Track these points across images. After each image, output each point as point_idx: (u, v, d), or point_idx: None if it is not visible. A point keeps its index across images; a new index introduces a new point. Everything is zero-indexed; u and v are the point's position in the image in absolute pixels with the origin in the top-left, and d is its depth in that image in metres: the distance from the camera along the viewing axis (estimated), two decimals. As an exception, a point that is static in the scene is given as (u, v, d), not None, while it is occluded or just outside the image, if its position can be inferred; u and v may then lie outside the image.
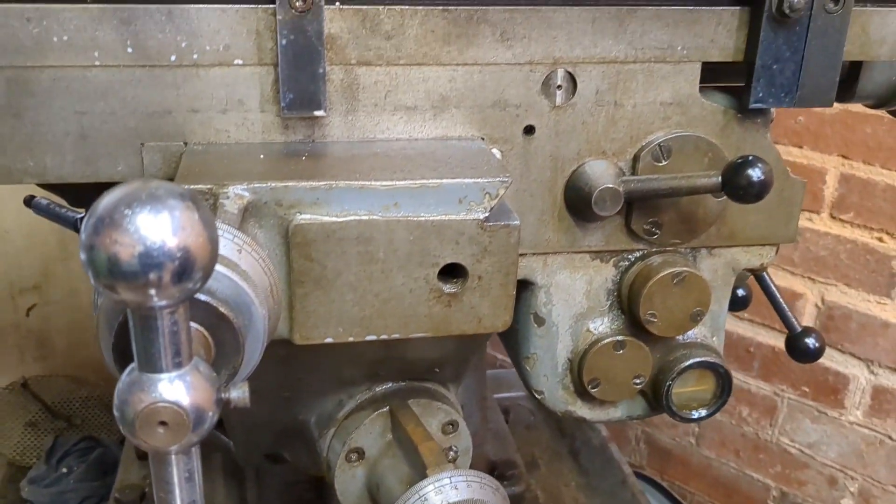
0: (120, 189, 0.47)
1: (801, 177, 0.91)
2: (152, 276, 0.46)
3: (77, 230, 1.12)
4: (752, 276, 1.03)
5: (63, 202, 1.03)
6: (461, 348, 0.87)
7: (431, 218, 0.70)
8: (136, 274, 0.46)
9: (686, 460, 2.45)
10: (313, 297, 0.71)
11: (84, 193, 0.85)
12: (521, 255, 0.85)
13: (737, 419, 2.28)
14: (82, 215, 1.11)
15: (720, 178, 0.80)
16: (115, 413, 0.50)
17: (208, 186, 0.67)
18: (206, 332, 0.58)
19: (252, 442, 1.07)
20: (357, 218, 0.70)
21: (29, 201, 1.07)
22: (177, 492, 0.53)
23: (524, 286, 0.89)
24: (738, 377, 2.25)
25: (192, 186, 0.67)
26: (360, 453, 0.88)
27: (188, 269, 0.47)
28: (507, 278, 0.73)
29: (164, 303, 0.47)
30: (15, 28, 0.72)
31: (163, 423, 0.50)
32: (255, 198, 0.68)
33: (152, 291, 0.47)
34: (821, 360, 2.07)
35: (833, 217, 1.99)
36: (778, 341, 2.15)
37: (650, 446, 2.48)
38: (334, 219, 0.69)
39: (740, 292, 1.15)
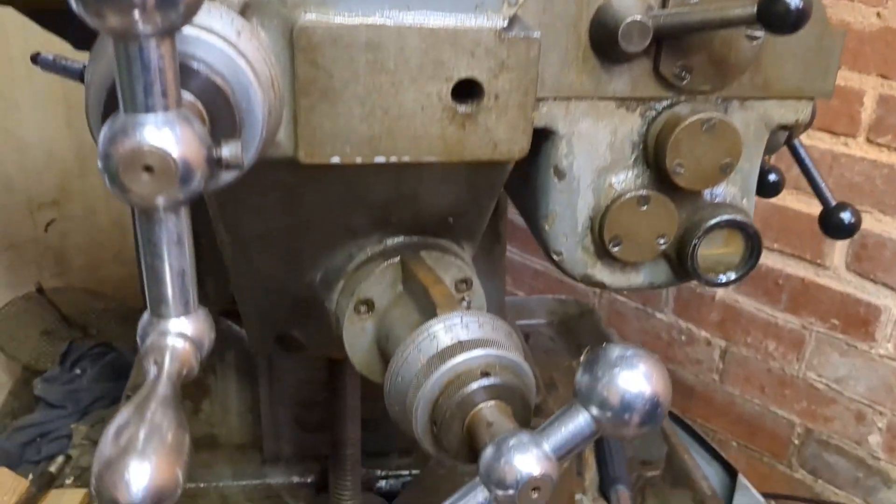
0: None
1: (837, 99, 0.85)
2: (137, -3, 0.43)
3: (83, 81, 1.09)
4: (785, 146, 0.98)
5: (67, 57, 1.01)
6: (474, 191, 0.83)
7: (446, 24, 0.66)
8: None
9: (709, 397, 2.41)
10: (319, 109, 0.67)
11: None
12: (541, 99, 0.81)
13: (763, 354, 2.23)
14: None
15: (755, 8, 0.74)
16: (99, 164, 0.47)
17: (208, -20, 0.63)
18: (200, 105, 0.54)
19: (264, 319, 1.05)
20: (366, 21, 0.66)
21: (35, 58, 1.04)
22: (165, 255, 0.50)
23: (544, 136, 0.85)
24: (766, 310, 2.20)
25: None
26: (370, 305, 0.85)
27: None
28: (526, 98, 0.69)
29: (148, 29, 0.44)
30: None
31: (148, 169, 0.46)
32: (258, -6, 0.64)
33: (136, 14, 0.43)
34: (852, 291, 2.02)
35: (870, 141, 1.92)
36: (808, 272, 2.09)
37: (672, 384, 2.44)
38: (342, 20, 0.65)
39: (772, 177, 1.09)
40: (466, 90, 0.69)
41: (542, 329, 2.17)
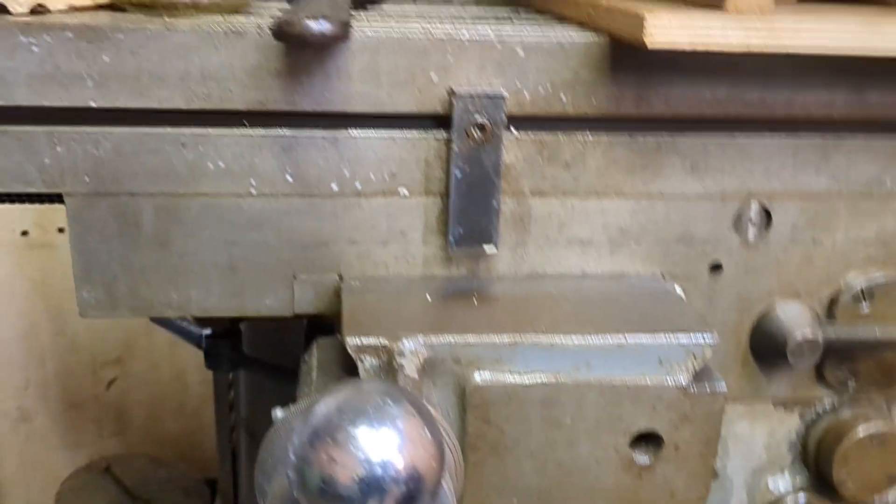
0: (337, 397, 0.39)
1: None
2: (371, 502, 0.38)
3: (201, 347, 1.06)
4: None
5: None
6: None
7: (627, 381, 0.62)
8: (353, 499, 0.38)
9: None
10: (488, 464, 0.63)
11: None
12: (695, 402, 0.76)
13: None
14: (208, 332, 1.05)
15: (939, 333, 0.70)
16: None
17: (383, 342, 0.60)
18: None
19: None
20: (543, 379, 0.61)
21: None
22: None
23: (696, 435, 0.79)
24: None
25: (364, 341, 0.59)
26: None
27: (415, 494, 0.39)
28: (708, 448, 0.64)
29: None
30: (168, 153, 0.66)
31: None
32: (432, 354, 0.60)
33: (370, 520, 0.39)
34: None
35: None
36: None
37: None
38: (517, 379, 0.61)
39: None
40: (645, 438, 0.64)
41: None
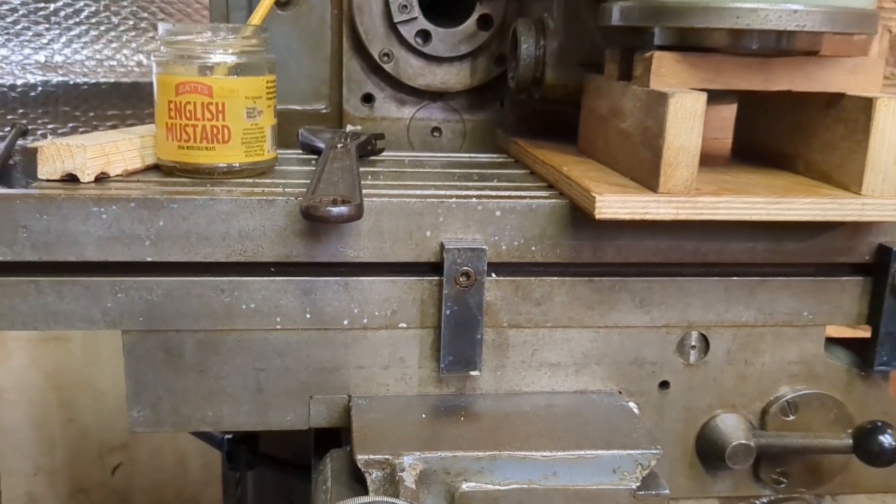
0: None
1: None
2: None
3: (222, 449, 1.18)
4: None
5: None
6: None
7: (588, 487, 0.75)
8: None
9: None
10: (476, 559, 0.75)
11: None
12: (652, 499, 0.89)
13: None
14: (229, 437, 1.18)
15: (851, 441, 0.84)
16: None
17: (386, 457, 0.73)
18: None
19: None
20: (518, 486, 0.75)
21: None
22: None
23: (655, 528, 0.92)
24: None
25: (371, 457, 0.73)
26: None
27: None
28: (657, 546, 0.77)
29: None
30: (209, 297, 0.81)
31: None
32: (427, 467, 0.74)
33: None
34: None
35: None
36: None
37: None
38: (497, 487, 0.74)
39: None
40: (602, 533, 0.77)
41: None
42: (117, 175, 0.86)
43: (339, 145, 1.00)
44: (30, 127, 2.06)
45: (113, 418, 2.29)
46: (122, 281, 0.79)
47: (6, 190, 0.82)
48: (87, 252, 0.78)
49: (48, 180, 0.83)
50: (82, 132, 2.10)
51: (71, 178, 0.82)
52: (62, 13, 2.09)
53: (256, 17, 0.92)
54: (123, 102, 2.17)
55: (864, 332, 0.90)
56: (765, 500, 0.93)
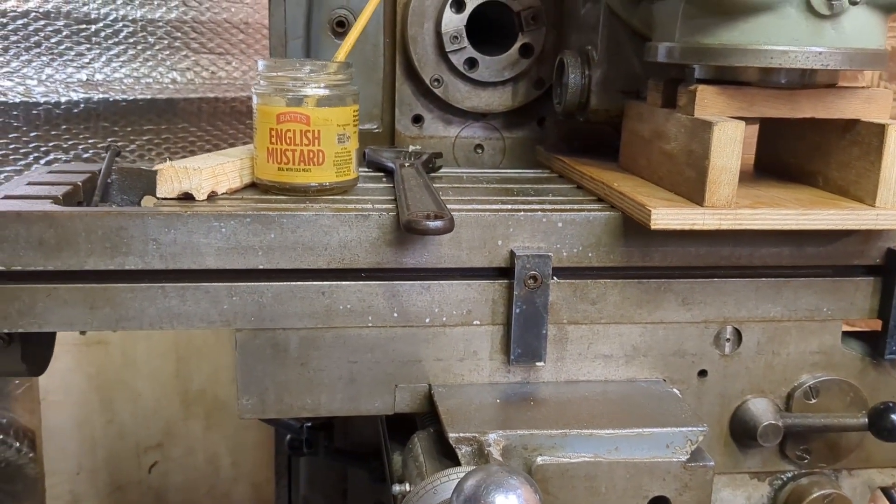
0: (476, 477, 0.65)
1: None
2: (503, 538, 0.64)
3: (299, 437, 1.30)
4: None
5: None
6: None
7: (645, 459, 0.87)
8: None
9: None
10: (547, 525, 0.87)
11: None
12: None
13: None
14: (308, 424, 1.29)
15: (867, 420, 0.96)
16: None
17: (474, 435, 0.85)
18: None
19: None
20: (586, 459, 0.87)
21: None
22: None
23: (691, 501, 1.05)
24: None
25: (462, 434, 0.85)
26: None
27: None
28: (702, 508, 0.89)
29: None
30: (312, 299, 0.93)
31: None
32: (508, 443, 0.86)
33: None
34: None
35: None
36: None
37: None
38: (568, 460, 0.87)
39: None
40: (657, 501, 0.89)
41: None
42: (223, 193, 0.98)
43: (407, 164, 1.12)
44: (71, 142, 2.17)
45: (148, 418, 2.40)
46: (237, 286, 0.91)
47: (138, 208, 0.94)
48: (208, 261, 0.90)
49: (166, 199, 0.94)
50: (121, 145, 2.22)
51: (186, 197, 0.94)
52: (102, 34, 2.20)
53: (342, 54, 1.04)
54: (159, 118, 2.29)
55: (876, 326, 1.02)
56: (790, 474, 1.06)
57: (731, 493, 1.05)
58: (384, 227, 0.91)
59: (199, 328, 0.92)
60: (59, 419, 2.27)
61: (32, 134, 2.09)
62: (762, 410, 1.01)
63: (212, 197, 0.96)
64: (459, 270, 0.95)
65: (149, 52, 2.25)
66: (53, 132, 2.13)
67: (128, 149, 2.27)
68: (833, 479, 1.06)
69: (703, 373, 1.01)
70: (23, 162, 2.08)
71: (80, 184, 1.03)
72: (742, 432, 1.01)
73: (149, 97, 2.25)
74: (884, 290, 1.00)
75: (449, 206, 0.95)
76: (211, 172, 0.95)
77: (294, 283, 0.92)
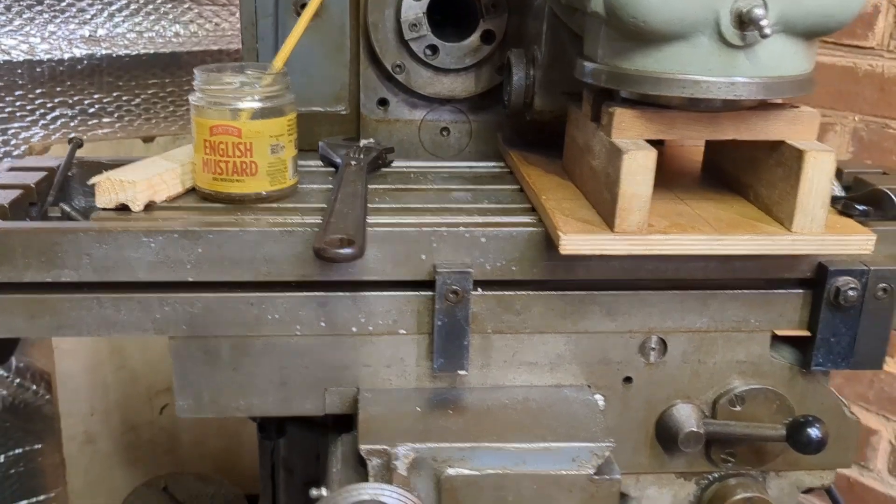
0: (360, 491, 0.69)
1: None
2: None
3: (255, 420, 1.36)
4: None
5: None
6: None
7: (551, 472, 0.91)
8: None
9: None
10: (458, 539, 0.92)
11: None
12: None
13: None
14: None
15: (785, 432, 0.98)
16: None
17: (384, 447, 0.89)
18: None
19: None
20: (494, 472, 0.91)
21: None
22: None
23: (622, 499, 1.08)
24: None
25: (372, 447, 0.89)
26: None
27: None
28: (611, 530, 0.93)
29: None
30: (241, 309, 0.96)
31: None
32: (418, 455, 0.90)
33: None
34: None
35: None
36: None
37: None
38: (476, 472, 0.91)
39: None
40: (565, 510, 0.93)
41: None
42: (163, 201, 1.01)
43: (353, 163, 1.13)
44: (77, 98, 2.21)
45: (159, 363, 2.50)
46: (169, 297, 0.95)
47: (71, 224, 0.98)
48: (139, 274, 0.94)
49: (105, 209, 0.98)
50: (125, 100, 2.25)
51: (124, 208, 0.98)
52: (103, -11, 2.21)
53: (279, 62, 1.05)
54: (163, 72, 2.31)
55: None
56: (717, 474, 1.08)
57: (657, 490, 1.08)
58: (309, 242, 0.94)
59: (134, 336, 0.97)
60: (71, 366, 2.39)
61: (38, 91, 2.14)
62: (685, 417, 1.03)
63: (149, 207, 1.00)
64: (385, 283, 0.97)
65: (151, 6, 2.26)
66: (58, 88, 2.17)
67: (132, 103, 2.30)
68: (760, 480, 1.09)
69: (628, 379, 1.03)
70: (29, 118, 2.14)
71: (34, 185, 1.07)
72: (667, 437, 1.04)
73: (152, 51, 2.27)
74: (813, 303, 1.00)
75: (377, 219, 0.97)
76: (147, 184, 0.98)
77: (223, 294, 0.96)
